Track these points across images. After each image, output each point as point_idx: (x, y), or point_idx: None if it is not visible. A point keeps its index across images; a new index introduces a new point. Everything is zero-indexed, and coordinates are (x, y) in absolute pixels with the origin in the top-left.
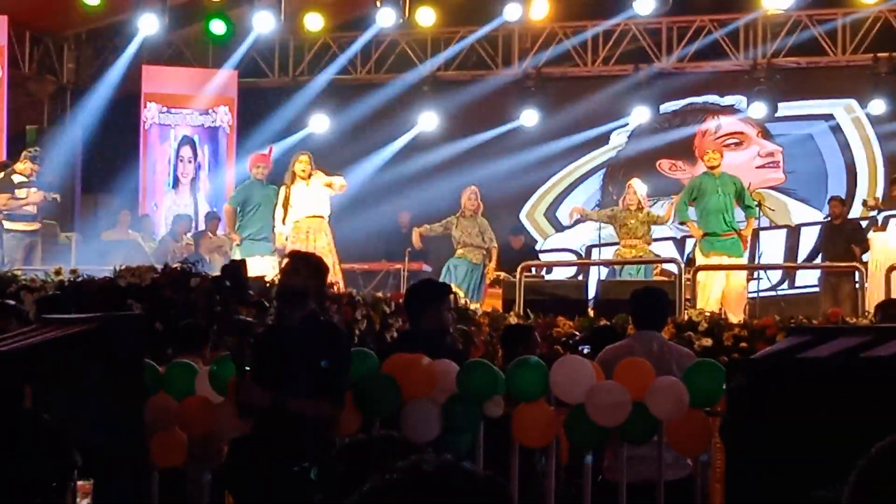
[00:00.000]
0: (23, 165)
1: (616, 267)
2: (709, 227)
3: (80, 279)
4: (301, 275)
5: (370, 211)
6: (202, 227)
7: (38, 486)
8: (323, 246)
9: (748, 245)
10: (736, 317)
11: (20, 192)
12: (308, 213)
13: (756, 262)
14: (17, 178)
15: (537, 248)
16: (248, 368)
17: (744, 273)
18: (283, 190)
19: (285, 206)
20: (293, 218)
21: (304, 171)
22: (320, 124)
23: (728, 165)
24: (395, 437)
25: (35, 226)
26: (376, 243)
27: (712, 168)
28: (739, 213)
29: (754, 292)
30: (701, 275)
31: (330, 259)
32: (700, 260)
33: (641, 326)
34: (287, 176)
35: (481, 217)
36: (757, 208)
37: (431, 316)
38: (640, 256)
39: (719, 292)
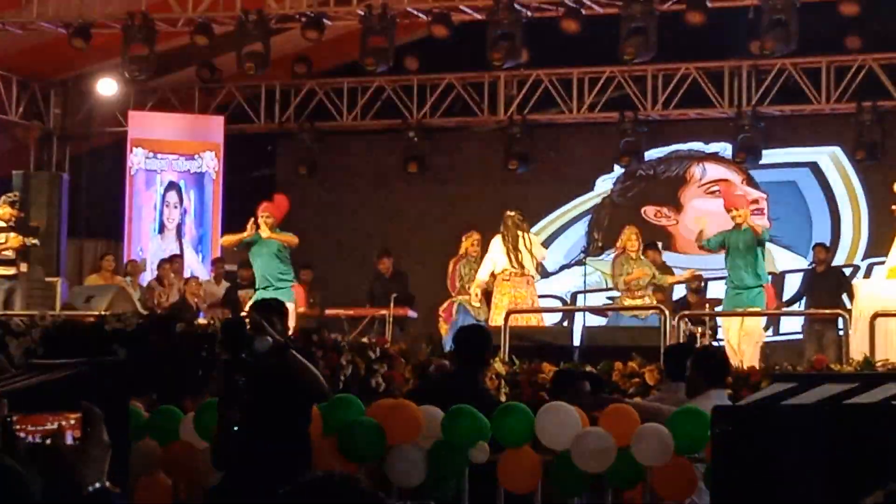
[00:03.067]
0: (2, 210)
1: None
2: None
3: (65, 324)
4: (272, 326)
5: (353, 256)
6: (187, 272)
7: None
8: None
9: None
10: (750, 361)
11: None
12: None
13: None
14: None
15: None
16: (236, 429)
17: (757, 319)
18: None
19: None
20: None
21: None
22: (303, 169)
23: (713, 212)
24: (336, 479)
25: (13, 270)
26: (359, 289)
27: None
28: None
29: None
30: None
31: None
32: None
33: (672, 378)
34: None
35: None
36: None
37: (486, 362)
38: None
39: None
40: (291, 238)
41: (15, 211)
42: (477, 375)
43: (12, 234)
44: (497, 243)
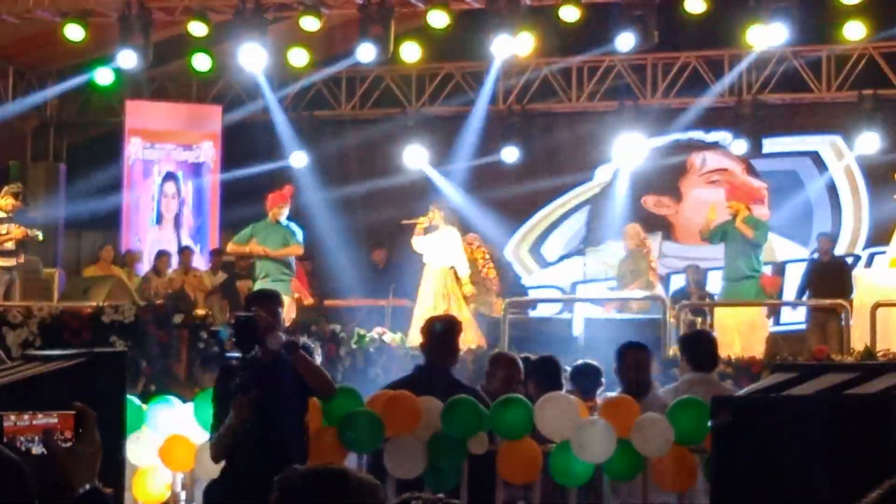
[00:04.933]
0: (4, 201)
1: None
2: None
3: (62, 315)
4: (271, 315)
5: (351, 247)
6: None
7: None
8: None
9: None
10: (753, 351)
11: (1, 228)
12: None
13: None
14: None
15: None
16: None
17: (755, 311)
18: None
19: None
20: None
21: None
22: (300, 160)
23: (714, 202)
24: (332, 473)
25: (14, 261)
26: (358, 280)
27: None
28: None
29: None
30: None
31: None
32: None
33: (693, 368)
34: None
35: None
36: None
37: (457, 352)
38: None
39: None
40: (293, 250)
41: (18, 202)
42: (447, 366)
43: (14, 226)
44: (459, 241)
